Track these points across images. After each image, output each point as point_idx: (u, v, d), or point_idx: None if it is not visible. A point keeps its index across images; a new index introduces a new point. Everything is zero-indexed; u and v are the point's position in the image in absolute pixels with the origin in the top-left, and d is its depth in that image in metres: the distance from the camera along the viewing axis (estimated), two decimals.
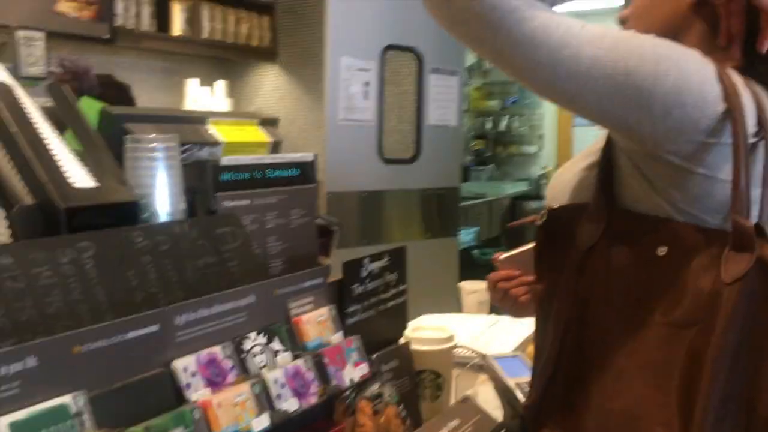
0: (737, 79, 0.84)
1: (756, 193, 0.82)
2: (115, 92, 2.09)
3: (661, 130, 0.80)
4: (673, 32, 0.90)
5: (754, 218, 0.81)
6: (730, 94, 0.81)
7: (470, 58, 6.71)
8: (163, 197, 0.95)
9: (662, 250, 0.83)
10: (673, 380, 0.79)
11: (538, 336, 0.97)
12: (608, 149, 0.91)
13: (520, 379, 1.20)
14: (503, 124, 7.03)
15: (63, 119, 0.93)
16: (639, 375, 0.82)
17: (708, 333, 0.77)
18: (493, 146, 7.12)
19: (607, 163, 0.91)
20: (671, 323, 0.81)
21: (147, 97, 3.21)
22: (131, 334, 0.75)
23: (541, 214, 0.95)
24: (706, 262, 0.80)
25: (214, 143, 1.11)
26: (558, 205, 0.96)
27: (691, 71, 0.81)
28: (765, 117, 0.83)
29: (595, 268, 0.88)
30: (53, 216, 0.82)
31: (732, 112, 0.80)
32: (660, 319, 0.82)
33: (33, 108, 0.92)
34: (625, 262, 0.86)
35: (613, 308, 0.86)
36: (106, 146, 0.93)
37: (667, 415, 0.79)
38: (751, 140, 0.82)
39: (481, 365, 1.37)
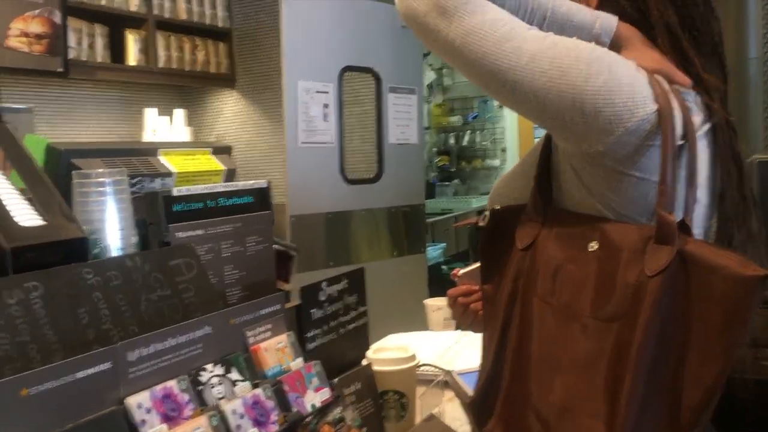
0: (666, 85, 0.87)
1: (681, 193, 0.85)
2: None
3: (593, 129, 0.84)
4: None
5: (678, 217, 0.84)
6: (659, 96, 0.84)
7: (429, 76, 6.78)
8: (113, 232, 0.94)
9: (593, 246, 0.86)
10: (601, 373, 0.82)
11: (485, 334, 0.99)
12: (547, 155, 0.96)
13: None
14: (466, 139, 7.09)
15: (7, 158, 0.92)
16: (572, 368, 0.85)
17: (632, 326, 0.80)
18: (457, 161, 7.18)
19: (544, 167, 0.96)
20: (601, 318, 0.84)
21: (104, 129, 3.19)
22: (82, 373, 0.74)
23: (483, 216, 0.99)
24: (633, 256, 0.83)
25: (166, 174, 1.10)
26: (499, 207, 1.00)
27: (621, 73, 0.85)
28: (690, 121, 0.87)
29: (534, 266, 0.92)
30: None
31: (662, 112, 0.84)
32: (591, 314, 0.85)
33: None
34: (560, 259, 0.89)
35: (550, 304, 0.89)
36: (53, 183, 0.92)
37: (596, 407, 0.82)
38: (679, 142, 0.85)
39: (447, 382, 1.37)
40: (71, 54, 2.73)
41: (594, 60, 0.84)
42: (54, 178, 0.94)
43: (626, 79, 0.84)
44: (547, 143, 0.97)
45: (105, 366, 0.76)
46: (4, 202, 0.84)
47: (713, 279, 0.78)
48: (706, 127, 0.90)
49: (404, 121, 3.69)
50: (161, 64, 3.07)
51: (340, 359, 1.14)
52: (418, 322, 2.00)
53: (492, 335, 0.96)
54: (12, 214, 0.85)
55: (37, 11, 2.60)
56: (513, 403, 0.91)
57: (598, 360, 0.82)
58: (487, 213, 1.00)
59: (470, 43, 0.86)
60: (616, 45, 0.91)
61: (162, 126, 3.22)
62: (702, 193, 0.89)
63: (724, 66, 0.96)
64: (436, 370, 1.43)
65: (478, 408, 0.96)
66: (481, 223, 1.01)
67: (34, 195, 0.90)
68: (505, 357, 0.93)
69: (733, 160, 0.92)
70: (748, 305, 0.76)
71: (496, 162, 7.07)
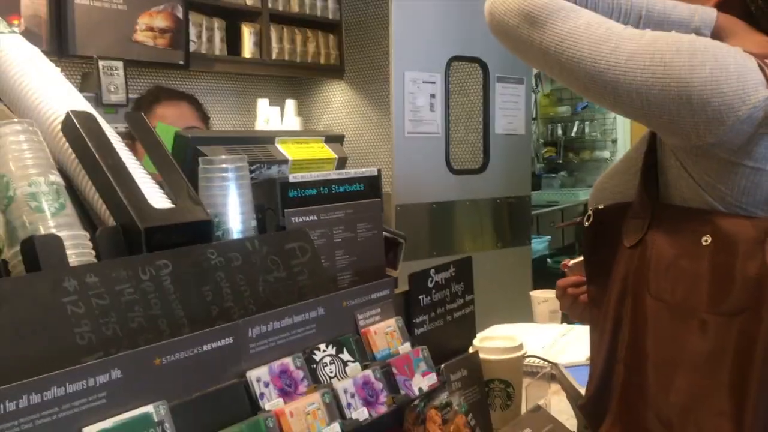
0: None
1: None
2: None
3: (701, 121, 0.81)
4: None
5: None
6: None
7: None
8: (234, 215, 0.99)
9: (707, 240, 0.83)
10: (725, 369, 0.79)
11: (593, 336, 0.98)
12: (653, 151, 0.93)
13: None
14: (574, 130, 6.92)
15: (141, 144, 0.99)
16: (692, 366, 0.83)
17: (757, 320, 0.77)
18: (564, 153, 7.01)
19: (649, 163, 0.93)
20: (720, 313, 0.81)
21: (221, 118, 3.34)
22: (207, 347, 0.79)
23: (586, 216, 0.97)
24: (751, 248, 0.80)
25: (282, 161, 1.15)
26: (602, 206, 0.98)
27: (728, 62, 0.81)
28: None
29: (644, 264, 0.90)
30: (133, 236, 0.87)
31: None
32: (709, 309, 0.82)
33: (113, 135, 0.98)
34: (671, 255, 0.87)
35: (663, 302, 0.87)
36: (180, 169, 0.98)
37: (721, 405, 0.79)
38: None
39: (553, 374, 1.36)
40: (192, 47, 2.87)
41: (697, 50, 0.81)
42: (181, 164, 1.00)
43: (734, 66, 0.81)
44: (652, 139, 0.94)
45: (228, 341, 0.81)
46: (138, 186, 0.91)
47: None
48: None
49: (511, 111, 3.65)
50: (274, 56, 3.18)
51: (447, 346, 1.15)
52: (522, 314, 1.98)
53: (602, 336, 0.94)
54: (145, 197, 0.91)
55: (161, 6, 2.75)
56: (630, 403, 0.89)
57: (721, 356, 0.80)
58: (590, 212, 0.98)
59: (566, 49, 0.85)
60: (717, 36, 0.88)
61: (274, 116, 3.33)
62: None
63: None
64: (543, 362, 1.42)
65: (591, 409, 0.95)
66: (586, 223, 0.99)
67: (164, 179, 0.96)
68: (617, 357, 0.91)
69: None
70: None
71: (606, 153, 6.86)
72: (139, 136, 1.00)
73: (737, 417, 0.78)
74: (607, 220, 0.96)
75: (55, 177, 0.87)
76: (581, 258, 1.11)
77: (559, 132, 7.00)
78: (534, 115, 6.54)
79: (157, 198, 0.93)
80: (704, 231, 0.84)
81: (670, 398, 0.84)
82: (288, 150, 1.18)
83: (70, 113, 0.92)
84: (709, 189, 0.86)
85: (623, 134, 6.79)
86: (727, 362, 0.80)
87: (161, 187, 0.96)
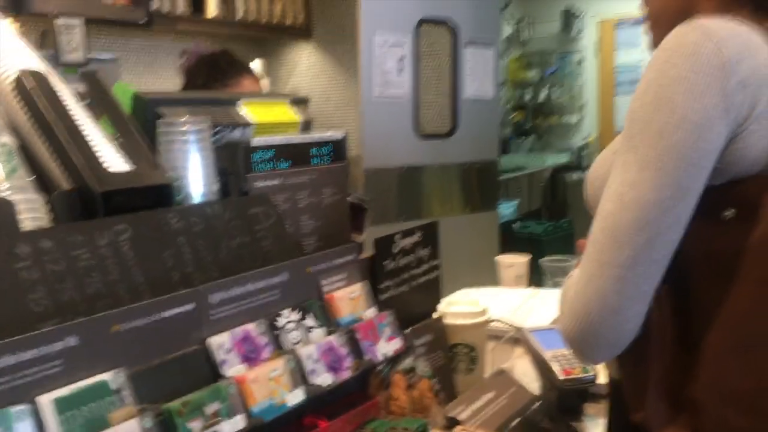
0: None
1: None
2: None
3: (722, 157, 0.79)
4: (688, 3, 0.90)
5: None
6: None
7: (507, 29, 6.62)
8: (196, 179, 0.97)
9: (730, 213, 0.80)
10: None
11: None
12: None
13: (556, 351, 1.20)
14: (543, 95, 6.93)
15: (98, 105, 0.96)
16: (756, 343, 0.78)
17: None
18: (533, 117, 7.03)
19: None
20: (760, 281, 0.77)
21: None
22: (168, 313, 0.78)
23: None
24: None
25: (246, 124, 1.12)
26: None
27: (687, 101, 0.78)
28: None
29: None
30: (90, 200, 0.84)
31: None
32: (748, 281, 0.78)
33: (69, 95, 0.95)
34: (697, 235, 0.81)
35: (704, 284, 0.82)
36: (140, 130, 0.95)
37: None
38: None
39: (517, 338, 1.37)
40: (154, 6, 2.79)
41: (662, 109, 0.78)
42: (140, 125, 0.97)
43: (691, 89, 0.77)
44: None
45: (189, 307, 0.80)
46: (95, 148, 0.88)
47: None
48: None
49: (480, 75, 3.63)
50: (239, 16, 3.10)
51: (412, 311, 1.15)
52: (488, 278, 1.99)
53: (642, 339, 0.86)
54: (102, 159, 0.88)
55: None
56: (692, 403, 0.82)
57: None
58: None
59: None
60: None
61: None
62: None
63: None
64: (507, 326, 1.44)
65: (654, 422, 0.87)
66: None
67: (122, 141, 0.93)
68: (665, 359, 0.85)
69: None
70: None
71: (574, 118, 6.90)
72: (96, 97, 0.96)
73: None
74: None
75: (7, 138, 0.84)
76: None
77: (528, 96, 7.01)
78: (503, 80, 6.53)
79: (115, 161, 0.90)
80: (725, 204, 0.80)
81: (742, 385, 0.78)
82: (252, 112, 1.16)
83: (21, 73, 0.88)
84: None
85: (591, 100, 6.83)
86: None
87: (120, 149, 0.94)
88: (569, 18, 6.76)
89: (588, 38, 6.82)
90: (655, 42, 0.90)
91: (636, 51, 6.18)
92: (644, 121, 0.79)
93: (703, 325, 0.81)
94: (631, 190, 0.78)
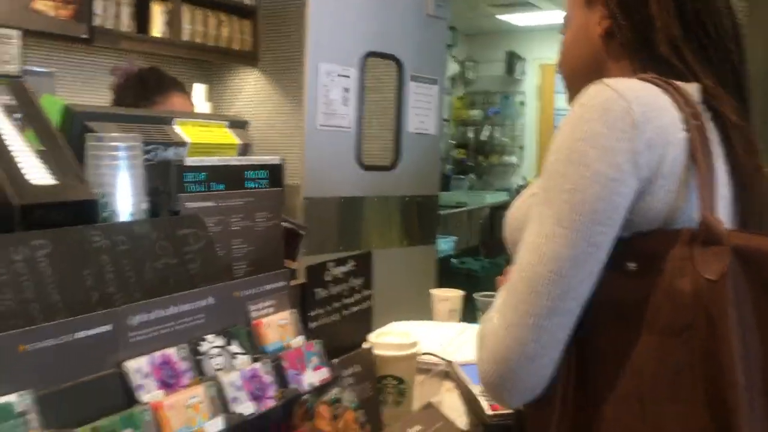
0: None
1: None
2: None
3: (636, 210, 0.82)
4: (597, 65, 0.96)
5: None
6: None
7: (453, 67, 6.75)
8: (124, 197, 0.94)
9: (632, 265, 0.82)
10: (693, 386, 0.77)
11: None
12: None
13: None
14: (485, 134, 7.07)
15: (24, 117, 0.92)
16: (653, 393, 0.79)
17: (711, 332, 0.76)
18: (475, 155, 7.15)
19: None
20: (660, 332, 0.79)
21: None
22: (82, 334, 0.74)
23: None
24: (678, 264, 0.79)
25: (180, 143, 1.10)
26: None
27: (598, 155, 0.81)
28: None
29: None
30: (8, 213, 0.81)
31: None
32: (648, 330, 0.80)
33: None
34: (604, 284, 0.84)
35: (603, 334, 0.84)
36: (67, 144, 0.92)
37: (701, 422, 0.76)
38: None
39: (447, 372, 1.37)
40: (96, 21, 2.74)
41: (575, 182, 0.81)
42: (69, 140, 0.94)
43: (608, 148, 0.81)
44: None
45: (106, 328, 0.77)
46: (16, 160, 0.85)
47: None
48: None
49: (424, 110, 3.68)
50: (185, 37, 3.08)
51: (342, 341, 1.14)
52: (423, 312, 1.99)
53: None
54: (24, 171, 0.85)
55: None
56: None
57: (685, 373, 0.77)
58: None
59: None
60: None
61: None
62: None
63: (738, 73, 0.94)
64: (437, 359, 1.43)
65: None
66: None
67: (48, 154, 0.90)
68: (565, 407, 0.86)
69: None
70: None
71: (514, 159, 7.05)
72: (23, 108, 0.93)
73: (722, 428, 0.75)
74: None
75: None
76: None
77: (471, 135, 7.13)
78: (446, 117, 6.63)
79: (38, 174, 0.87)
80: (626, 257, 0.83)
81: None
82: (187, 132, 1.13)
83: None
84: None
85: (531, 141, 6.99)
86: (688, 379, 0.77)
87: (44, 162, 0.90)
88: (513, 60, 6.95)
89: (530, 81, 7.01)
90: (571, 99, 0.94)
91: None
92: (559, 174, 0.82)
93: (606, 373, 0.83)
94: (547, 243, 0.82)
